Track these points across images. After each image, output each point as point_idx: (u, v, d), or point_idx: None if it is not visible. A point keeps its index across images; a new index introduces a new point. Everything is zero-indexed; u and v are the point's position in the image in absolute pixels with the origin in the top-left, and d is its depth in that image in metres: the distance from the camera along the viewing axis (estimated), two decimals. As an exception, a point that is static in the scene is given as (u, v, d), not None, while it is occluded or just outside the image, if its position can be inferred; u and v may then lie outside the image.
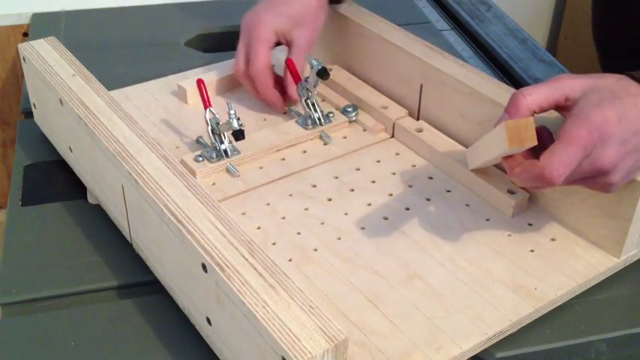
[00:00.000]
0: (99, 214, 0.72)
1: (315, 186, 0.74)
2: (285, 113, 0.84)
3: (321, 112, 0.81)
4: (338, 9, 0.89)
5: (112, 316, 0.62)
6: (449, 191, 0.74)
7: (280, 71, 0.85)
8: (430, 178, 0.76)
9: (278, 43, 0.83)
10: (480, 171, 0.73)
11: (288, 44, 0.83)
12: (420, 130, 0.79)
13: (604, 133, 0.58)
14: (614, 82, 0.61)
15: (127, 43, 1.06)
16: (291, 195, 0.73)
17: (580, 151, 0.57)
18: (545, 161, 0.57)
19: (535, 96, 0.61)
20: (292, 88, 0.82)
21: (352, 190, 0.74)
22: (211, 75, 0.88)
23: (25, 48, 0.79)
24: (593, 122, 0.57)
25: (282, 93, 0.83)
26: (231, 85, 0.89)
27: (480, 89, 0.74)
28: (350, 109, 0.82)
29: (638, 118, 0.59)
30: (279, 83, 0.83)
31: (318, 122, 0.80)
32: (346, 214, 0.71)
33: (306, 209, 0.71)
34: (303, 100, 0.80)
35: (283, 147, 0.78)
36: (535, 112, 0.61)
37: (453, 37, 1.16)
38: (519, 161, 0.60)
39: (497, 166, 0.73)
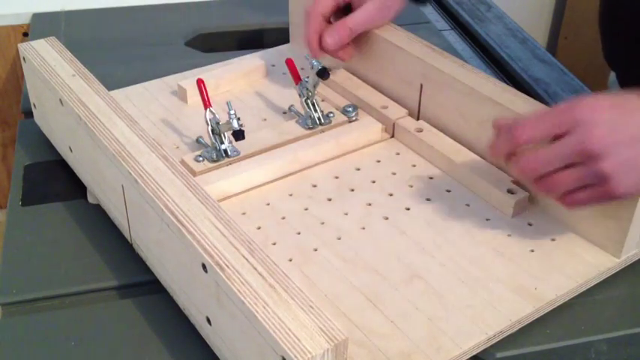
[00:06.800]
0: (99, 214, 0.72)
1: (315, 186, 0.74)
2: (284, 113, 0.84)
3: (321, 112, 0.81)
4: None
5: (112, 316, 0.62)
6: (449, 191, 0.74)
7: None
8: (430, 178, 0.76)
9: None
10: (480, 171, 0.73)
11: (352, 7, 0.82)
12: (420, 130, 0.79)
13: (591, 114, 0.57)
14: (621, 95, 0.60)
15: (127, 43, 1.06)
16: (291, 195, 0.73)
17: (552, 118, 0.58)
18: (520, 119, 0.60)
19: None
20: (324, 38, 0.81)
21: (352, 190, 0.73)
22: (211, 75, 0.88)
23: (25, 48, 0.79)
24: (580, 101, 0.58)
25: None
26: (231, 85, 0.89)
27: (479, 89, 0.74)
28: (350, 109, 0.82)
29: (635, 112, 0.58)
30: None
31: (318, 122, 0.80)
32: (346, 214, 0.71)
33: (306, 209, 0.71)
34: (303, 99, 0.80)
35: (283, 147, 0.78)
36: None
37: (453, 37, 1.16)
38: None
39: (498, 166, 0.73)
